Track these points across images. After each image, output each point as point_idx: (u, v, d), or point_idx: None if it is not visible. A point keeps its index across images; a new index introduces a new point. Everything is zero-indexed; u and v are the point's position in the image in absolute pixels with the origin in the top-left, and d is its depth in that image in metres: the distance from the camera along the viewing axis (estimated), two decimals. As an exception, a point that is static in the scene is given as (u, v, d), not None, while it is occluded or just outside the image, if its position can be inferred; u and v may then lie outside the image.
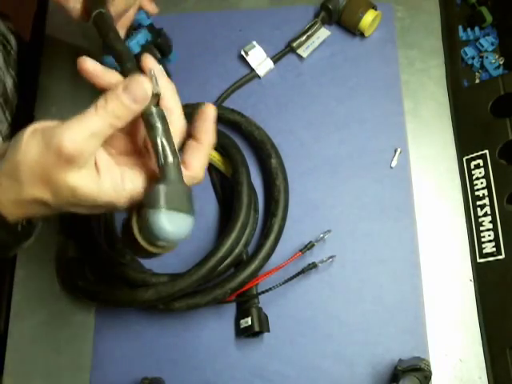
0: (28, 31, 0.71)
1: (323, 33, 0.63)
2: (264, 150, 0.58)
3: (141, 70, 0.40)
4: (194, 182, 0.40)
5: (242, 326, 0.54)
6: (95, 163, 0.36)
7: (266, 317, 0.55)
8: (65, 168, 0.34)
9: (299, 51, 0.63)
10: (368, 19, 0.61)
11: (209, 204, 0.60)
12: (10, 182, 0.36)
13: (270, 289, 0.53)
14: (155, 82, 0.37)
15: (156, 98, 0.37)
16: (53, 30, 0.68)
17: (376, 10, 0.62)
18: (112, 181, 0.36)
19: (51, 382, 0.56)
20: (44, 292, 0.58)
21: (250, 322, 0.53)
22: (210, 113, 0.40)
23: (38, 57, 0.67)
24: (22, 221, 0.40)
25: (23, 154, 0.35)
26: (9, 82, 0.64)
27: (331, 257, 0.56)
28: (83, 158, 0.35)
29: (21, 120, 0.65)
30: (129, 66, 0.39)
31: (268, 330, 0.54)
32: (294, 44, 0.63)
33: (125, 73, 0.39)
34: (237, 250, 0.53)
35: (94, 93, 0.64)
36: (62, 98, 0.65)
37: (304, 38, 0.63)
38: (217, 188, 0.60)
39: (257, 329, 0.53)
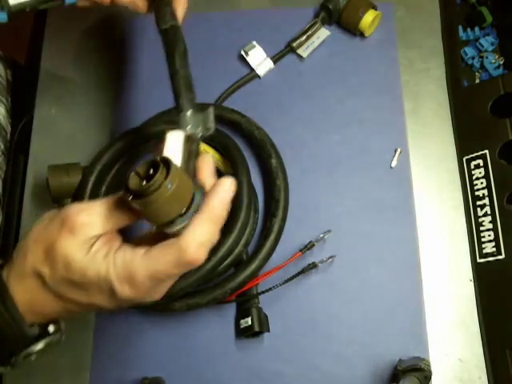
0: (27, 30, 0.71)
1: (323, 33, 0.63)
2: (264, 150, 0.58)
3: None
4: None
5: (241, 326, 0.54)
6: (94, 241, 0.36)
7: (266, 317, 0.55)
8: (65, 237, 0.35)
9: (299, 51, 0.63)
10: (368, 19, 0.61)
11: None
12: (17, 254, 0.38)
13: (270, 289, 0.53)
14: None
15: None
16: (52, 33, 0.68)
17: (376, 9, 0.62)
18: (105, 257, 0.36)
19: (51, 382, 0.56)
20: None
21: (249, 322, 0.53)
22: (226, 188, 0.38)
23: (38, 59, 0.67)
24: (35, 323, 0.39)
25: (35, 225, 0.37)
26: (1, 110, 0.64)
27: (331, 257, 0.55)
28: (85, 233, 0.35)
29: (16, 146, 0.65)
30: (183, 101, 0.42)
31: (268, 330, 0.54)
32: (294, 44, 0.63)
33: (177, 107, 0.42)
34: (237, 250, 0.53)
35: (92, 94, 0.64)
36: (62, 100, 0.65)
37: (304, 37, 0.63)
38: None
39: (257, 329, 0.53)
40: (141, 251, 0.36)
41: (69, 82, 0.65)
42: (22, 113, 0.66)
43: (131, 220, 0.37)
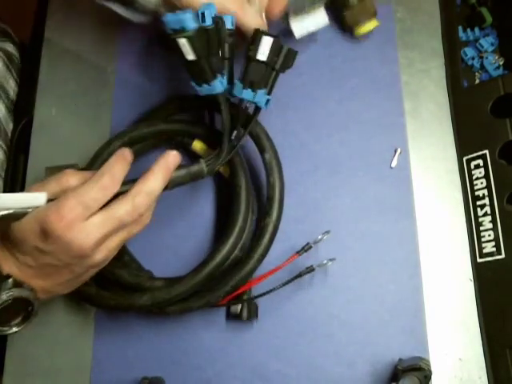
0: (28, 29, 0.71)
1: (322, 18, 0.60)
2: (258, 144, 0.56)
3: None
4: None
5: (231, 312, 0.54)
6: None
7: (256, 306, 0.55)
8: None
9: (293, 23, 0.59)
10: (368, 27, 0.61)
11: (207, 204, 0.60)
12: None
13: (267, 292, 0.53)
14: None
15: None
16: (52, 30, 0.68)
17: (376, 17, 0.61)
18: None
19: (51, 382, 0.56)
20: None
21: (238, 311, 0.53)
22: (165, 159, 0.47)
23: (38, 59, 0.67)
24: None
25: None
26: (1, 108, 0.65)
27: (331, 260, 0.55)
28: None
29: (16, 146, 0.65)
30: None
31: (256, 317, 0.54)
32: (291, 13, 0.59)
33: None
34: (233, 255, 0.53)
35: (92, 94, 0.64)
36: (62, 100, 0.65)
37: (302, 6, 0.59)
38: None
39: (245, 318, 0.53)
40: None
41: (69, 82, 0.65)
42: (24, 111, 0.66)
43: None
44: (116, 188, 0.44)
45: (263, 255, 0.53)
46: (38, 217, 0.41)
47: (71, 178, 0.44)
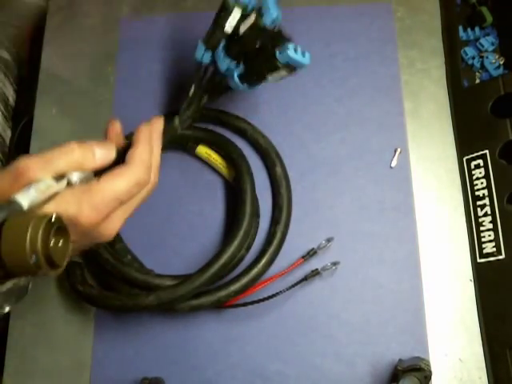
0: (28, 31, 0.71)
1: None
2: (269, 159, 0.59)
3: None
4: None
5: None
6: None
7: None
8: None
9: None
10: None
11: (211, 204, 0.60)
12: None
13: (274, 295, 0.53)
14: None
15: None
16: (52, 30, 0.68)
17: None
18: None
19: (51, 382, 0.56)
20: (44, 292, 0.58)
21: None
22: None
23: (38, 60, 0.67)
24: None
25: None
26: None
27: (335, 263, 0.55)
28: None
29: (16, 147, 0.65)
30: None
31: None
32: None
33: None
34: (238, 255, 0.53)
35: (92, 94, 0.64)
36: (62, 100, 0.65)
37: None
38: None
39: None
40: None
41: (69, 82, 0.65)
42: (23, 112, 0.66)
43: None
44: (149, 181, 0.43)
45: (272, 260, 0.55)
46: (67, 208, 0.38)
47: (77, 151, 0.40)
